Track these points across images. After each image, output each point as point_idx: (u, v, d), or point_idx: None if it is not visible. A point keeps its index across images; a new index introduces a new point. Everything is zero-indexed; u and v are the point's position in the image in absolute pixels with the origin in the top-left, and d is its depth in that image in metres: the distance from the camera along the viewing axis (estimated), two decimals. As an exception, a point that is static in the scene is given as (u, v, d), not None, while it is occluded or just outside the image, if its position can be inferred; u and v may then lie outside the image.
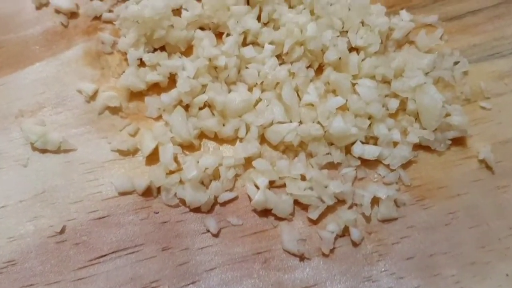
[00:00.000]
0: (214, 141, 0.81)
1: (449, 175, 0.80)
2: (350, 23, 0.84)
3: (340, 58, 0.81)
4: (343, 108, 0.79)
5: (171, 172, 0.76)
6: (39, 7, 0.89)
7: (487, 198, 0.78)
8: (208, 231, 0.74)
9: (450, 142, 0.81)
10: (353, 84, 0.80)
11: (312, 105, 0.79)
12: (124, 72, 0.83)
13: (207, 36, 0.83)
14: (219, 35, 0.87)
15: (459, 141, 0.82)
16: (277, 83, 0.81)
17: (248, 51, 0.83)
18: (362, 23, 0.85)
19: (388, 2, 0.92)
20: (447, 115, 0.80)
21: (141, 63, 0.83)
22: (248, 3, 0.87)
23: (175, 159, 0.77)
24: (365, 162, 0.79)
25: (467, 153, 0.82)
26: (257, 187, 0.76)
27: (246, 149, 0.77)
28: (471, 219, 0.77)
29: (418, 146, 0.81)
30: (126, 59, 0.84)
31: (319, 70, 0.85)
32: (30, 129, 0.78)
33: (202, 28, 0.87)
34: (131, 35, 0.82)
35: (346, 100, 0.79)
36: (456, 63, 0.87)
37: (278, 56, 0.85)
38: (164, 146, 0.76)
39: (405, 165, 0.79)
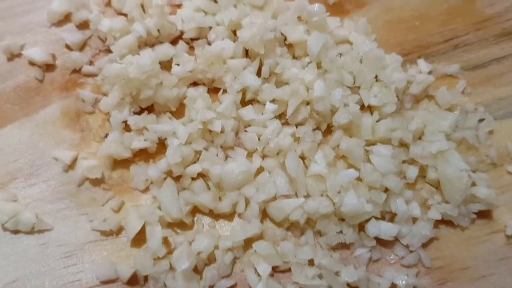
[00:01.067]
0: (209, 217, 0.72)
1: (473, 254, 0.71)
2: (362, 78, 0.75)
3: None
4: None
5: (160, 258, 0.67)
6: (10, 58, 0.79)
7: (516, 280, 0.70)
8: (203, 327, 0.66)
9: (474, 216, 0.72)
10: (367, 150, 0.72)
11: (321, 175, 0.70)
12: (107, 135, 0.74)
13: (201, 96, 0.73)
14: (214, 90, 0.78)
15: (484, 214, 0.73)
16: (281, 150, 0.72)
17: (247, 112, 0.74)
18: (376, 77, 0.75)
19: (404, 49, 0.83)
20: (473, 184, 0.71)
21: (126, 125, 0.73)
22: (246, 55, 0.77)
23: (165, 241, 0.68)
24: (382, 241, 0.70)
25: (493, 227, 0.73)
26: (259, 274, 0.67)
27: (246, 229, 0.68)
28: (499, 304, 0.69)
29: (439, 221, 0.72)
30: (109, 119, 0.75)
31: (328, 129, 0.76)
32: (0, 208, 0.68)
33: (195, 83, 0.78)
34: (114, 94, 0.72)
35: (359, 171, 0.70)
36: (480, 120, 0.78)
37: (282, 115, 0.75)
38: (152, 227, 0.67)
39: (425, 244, 0.71)
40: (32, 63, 0.79)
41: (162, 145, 0.74)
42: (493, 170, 0.76)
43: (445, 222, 0.73)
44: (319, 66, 0.76)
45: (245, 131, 0.74)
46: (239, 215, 0.71)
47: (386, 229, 0.69)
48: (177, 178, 0.72)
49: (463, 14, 0.86)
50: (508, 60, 0.83)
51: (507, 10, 0.87)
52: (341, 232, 0.70)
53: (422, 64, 0.80)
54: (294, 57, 0.79)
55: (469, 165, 0.73)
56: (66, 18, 0.82)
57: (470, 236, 0.72)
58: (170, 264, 0.67)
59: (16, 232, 0.70)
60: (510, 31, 0.85)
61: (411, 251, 0.70)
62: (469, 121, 0.77)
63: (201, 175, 0.72)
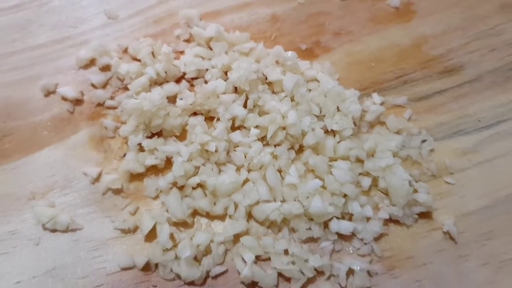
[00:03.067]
0: (206, 218, 0.96)
1: (416, 246, 0.93)
2: (326, 109, 1.00)
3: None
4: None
5: (168, 249, 0.91)
6: (47, 94, 1.05)
7: (450, 267, 0.90)
8: (202, 302, 0.89)
9: (417, 216, 0.96)
10: (330, 165, 0.96)
11: (294, 185, 0.95)
12: (125, 154, 0.99)
13: (200, 123, 0.98)
14: (210, 119, 1.03)
15: (425, 215, 0.96)
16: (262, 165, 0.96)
17: (236, 136, 0.98)
18: (338, 108, 1.01)
19: (362, 85, 1.08)
20: (415, 191, 0.96)
21: (140, 147, 0.99)
22: (235, 91, 1.03)
23: (171, 236, 0.92)
24: (342, 236, 0.94)
25: (432, 225, 0.95)
26: (245, 261, 0.91)
27: (235, 227, 0.92)
28: (436, 286, 0.89)
29: (388, 220, 0.96)
30: (126, 142, 1.00)
31: (300, 149, 1.01)
32: (41, 212, 0.92)
33: (195, 113, 1.03)
34: (131, 123, 0.98)
35: (324, 181, 0.94)
36: (423, 141, 1.03)
37: (263, 138, 1.01)
38: (161, 226, 0.91)
39: (377, 238, 0.94)
40: (64, 99, 1.04)
41: (169, 162, 0.98)
42: (433, 181, 0.99)
43: (393, 221, 0.96)
44: (292, 99, 1.02)
45: (235, 150, 0.99)
46: (230, 216, 0.95)
47: (345, 226, 0.92)
48: (181, 188, 0.96)
49: (411, 56, 1.11)
50: (448, 92, 1.07)
51: (448, 51, 1.12)
52: (309, 228, 0.93)
53: (376, 97, 1.06)
54: (273, 92, 1.05)
55: (413, 177, 0.97)
56: (91, 62, 1.08)
57: (414, 232, 0.94)
58: (176, 254, 0.90)
59: (54, 231, 0.93)
60: (451, 68, 1.10)
61: (365, 244, 0.93)
62: (413, 142, 1.02)
63: (200, 185, 0.96)
